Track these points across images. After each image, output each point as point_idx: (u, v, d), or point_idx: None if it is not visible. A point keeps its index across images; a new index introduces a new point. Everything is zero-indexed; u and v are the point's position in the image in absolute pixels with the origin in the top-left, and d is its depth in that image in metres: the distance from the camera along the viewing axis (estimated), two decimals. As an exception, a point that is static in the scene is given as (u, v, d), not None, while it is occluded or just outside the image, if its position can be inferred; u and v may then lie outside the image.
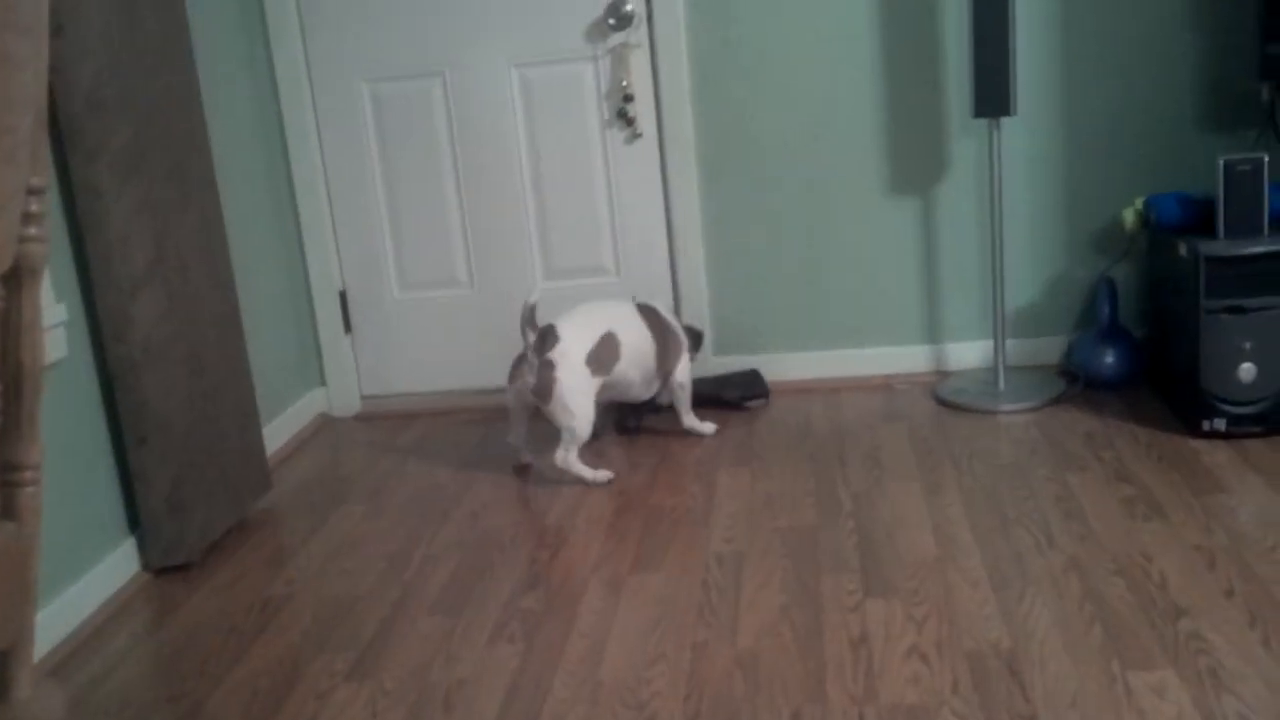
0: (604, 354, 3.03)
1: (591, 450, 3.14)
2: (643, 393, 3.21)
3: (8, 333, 1.12)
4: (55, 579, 2.50)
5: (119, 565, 2.70)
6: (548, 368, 2.94)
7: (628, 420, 3.40)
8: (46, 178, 1.12)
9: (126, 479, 2.74)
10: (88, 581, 2.59)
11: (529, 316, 2.93)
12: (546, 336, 2.96)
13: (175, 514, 2.74)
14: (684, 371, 3.24)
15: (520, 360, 3.00)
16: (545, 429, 3.11)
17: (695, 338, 3.39)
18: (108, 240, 2.59)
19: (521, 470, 3.15)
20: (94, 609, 2.60)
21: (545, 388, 2.94)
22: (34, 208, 1.11)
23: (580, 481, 3.02)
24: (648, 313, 3.20)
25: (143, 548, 2.76)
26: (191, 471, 2.78)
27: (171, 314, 2.74)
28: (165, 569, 2.77)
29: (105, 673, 2.35)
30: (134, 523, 2.76)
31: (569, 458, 3.00)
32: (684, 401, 3.28)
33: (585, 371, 2.99)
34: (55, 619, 2.47)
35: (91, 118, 2.54)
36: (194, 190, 2.87)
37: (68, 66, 2.50)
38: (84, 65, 2.52)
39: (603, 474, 3.03)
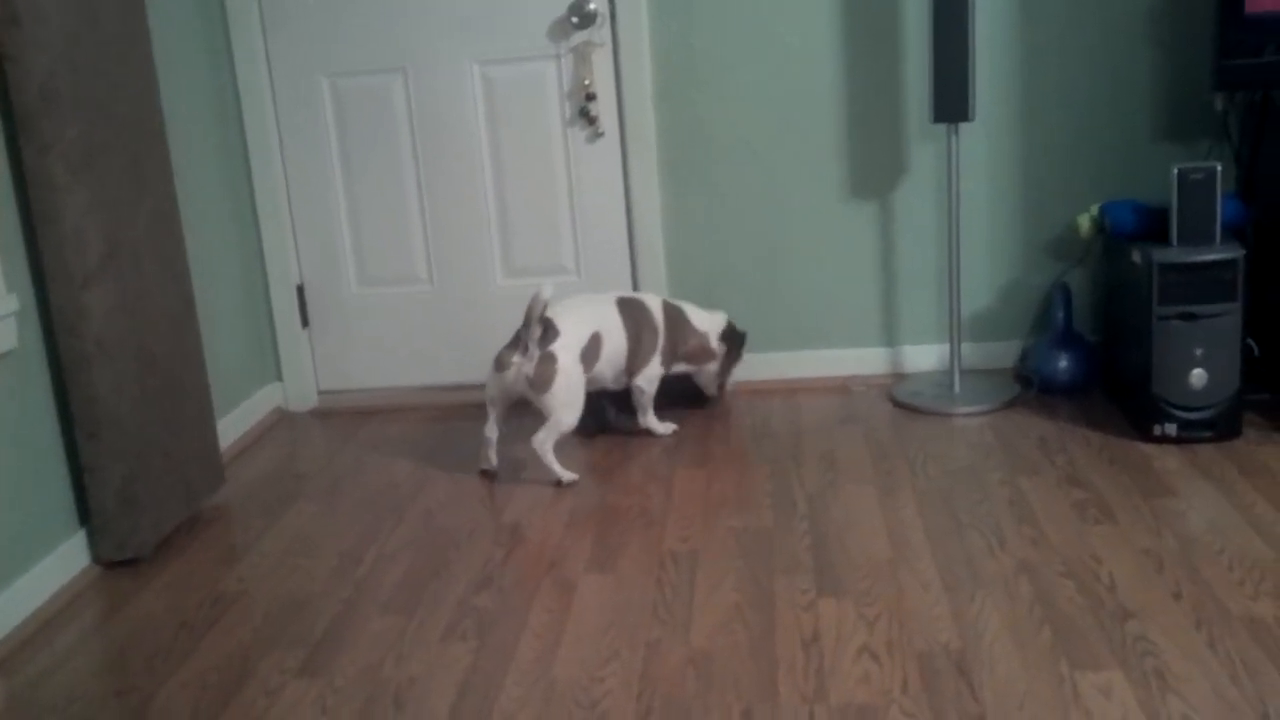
0: (589, 353, 3.06)
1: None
2: (610, 386, 3.23)
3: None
4: (4, 571, 2.47)
5: (69, 558, 2.67)
6: (549, 360, 2.95)
7: (617, 420, 3.37)
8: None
9: (78, 472, 2.71)
10: (37, 574, 2.56)
11: (541, 309, 2.93)
12: (548, 330, 2.97)
13: (126, 508, 2.71)
14: (646, 378, 3.25)
15: (510, 350, 2.99)
16: (516, 425, 3.11)
17: (738, 339, 3.42)
18: (60, 233, 2.57)
19: (487, 476, 3.13)
20: (43, 601, 2.57)
21: (545, 379, 2.95)
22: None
23: (548, 473, 3.02)
24: (631, 309, 3.22)
25: (93, 541, 2.74)
26: (143, 466, 2.75)
27: (124, 308, 2.71)
28: (116, 563, 2.75)
29: (53, 666, 2.32)
30: (85, 516, 2.74)
31: (548, 445, 3.00)
32: (642, 404, 3.28)
33: (580, 367, 3.02)
34: (3, 611, 2.44)
35: (45, 110, 2.51)
36: (149, 184, 2.85)
37: (23, 58, 2.47)
38: (39, 57, 2.49)
39: (569, 475, 3.02)
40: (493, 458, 3.12)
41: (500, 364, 3.00)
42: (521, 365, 2.97)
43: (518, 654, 2.22)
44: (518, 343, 2.99)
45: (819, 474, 2.96)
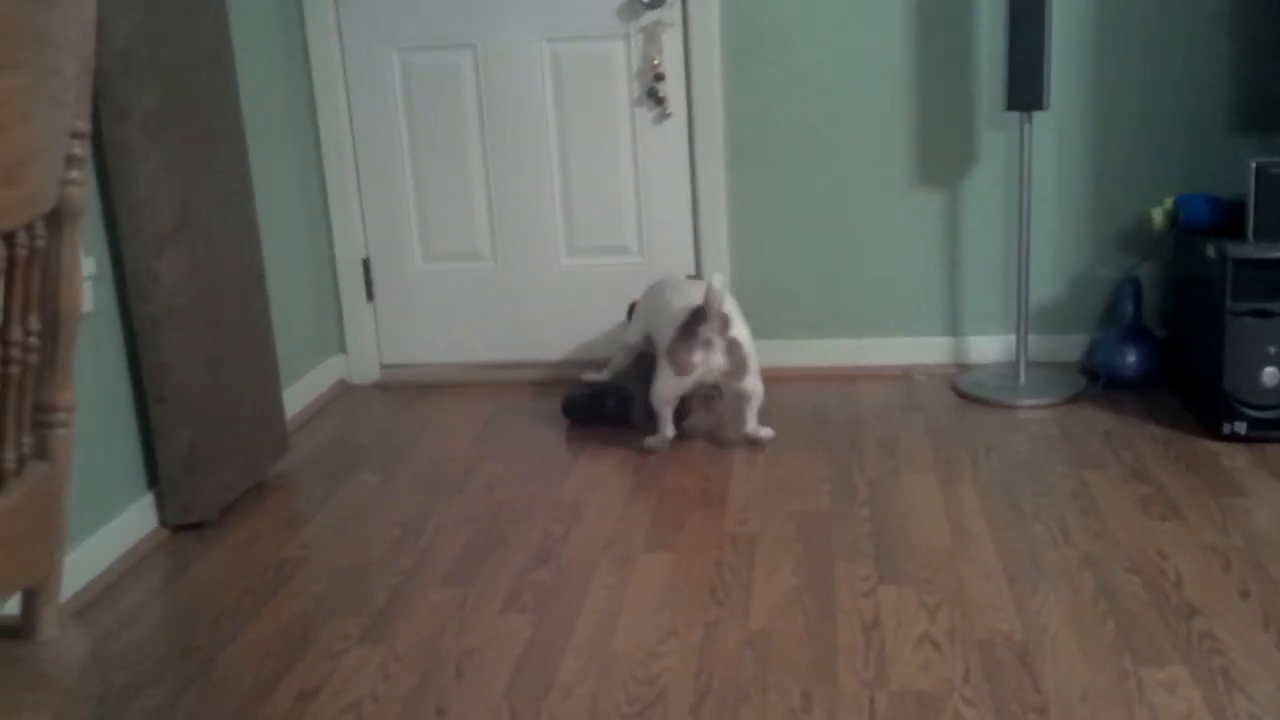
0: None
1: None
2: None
3: (47, 276, 1.12)
4: (75, 530, 2.51)
5: (137, 520, 2.72)
6: (737, 347, 2.98)
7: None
8: (89, 122, 1.12)
9: (148, 435, 2.75)
10: (106, 534, 2.60)
11: (720, 301, 2.92)
12: (725, 320, 2.96)
13: (192, 473, 2.75)
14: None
15: (688, 351, 2.95)
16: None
17: None
18: (135, 198, 2.60)
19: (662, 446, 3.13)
20: (111, 562, 2.62)
21: (742, 365, 2.99)
22: (76, 151, 1.12)
23: (758, 443, 3.09)
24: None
25: (161, 504, 2.78)
26: (209, 432, 2.79)
27: (195, 275, 2.75)
28: (182, 526, 2.79)
29: (121, 625, 2.36)
30: (154, 479, 2.78)
31: (756, 419, 3.09)
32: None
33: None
34: (73, 569, 2.49)
35: (124, 77, 2.55)
36: (222, 153, 2.88)
37: (102, 24, 2.50)
38: (118, 24, 2.52)
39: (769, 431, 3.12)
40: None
41: (686, 367, 2.96)
42: (709, 360, 2.96)
43: (576, 628, 2.23)
44: (692, 340, 2.94)
45: (879, 461, 2.95)
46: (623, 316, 3.64)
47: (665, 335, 3.01)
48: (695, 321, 2.93)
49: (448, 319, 3.82)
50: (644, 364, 3.22)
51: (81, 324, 2.55)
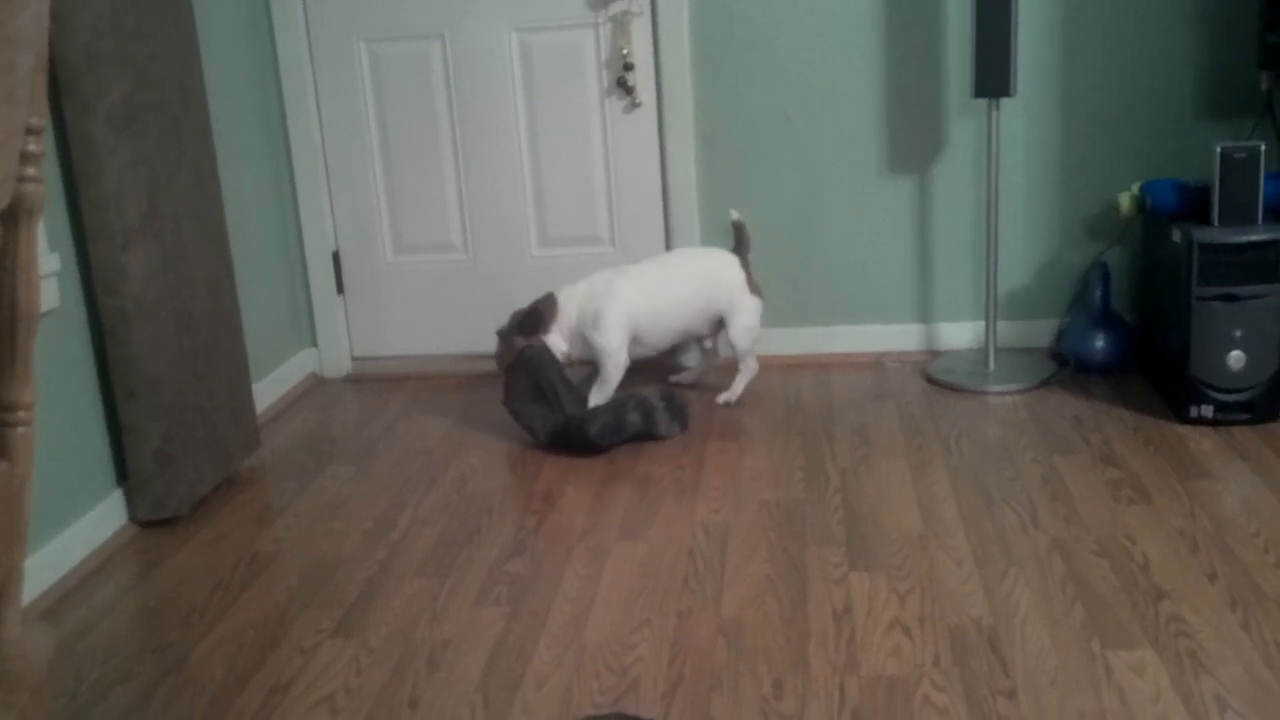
0: None
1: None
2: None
3: (3, 273, 1.12)
4: (43, 527, 2.50)
5: (107, 516, 2.70)
6: None
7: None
8: (45, 119, 1.12)
9: (116, 431, 2.74)
10: (75, 531, 2.59)
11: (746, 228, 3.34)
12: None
13: (163, 468, 2.74)
14: None
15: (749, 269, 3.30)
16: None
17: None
18: (102, 193, 2.59)
19: None
20: (81, 558, 2.60)
21: None
22: (32, 148, 1.11)
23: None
24: None
25: (131, 500, 2.76)
26: (180, 427, 2.78)
27: (163, 269, 2.74)
28: (153, 522, 2.77)
29: (91, 622, 2.35)
30: (123, 474, 2.76)
31: None
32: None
33: None
34: (42, 566, 2.47)
35: (89, 70, 2.53)
36: (189, 146, 2.86)
37: (67, 17, 2.49)
38: (82, 17, 2.50)
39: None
40: None
41: (759, 288, 3.29)
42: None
43: (550, 619, 2.24)
44: (748, 264, 3.28)
45: (851, 449, 2.96)
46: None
47: (731, 288, 3.25)
48: (740, 254, 3.28)
49: (419, 311, 3.81)
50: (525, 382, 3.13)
51: (48, 320, 2.54)
